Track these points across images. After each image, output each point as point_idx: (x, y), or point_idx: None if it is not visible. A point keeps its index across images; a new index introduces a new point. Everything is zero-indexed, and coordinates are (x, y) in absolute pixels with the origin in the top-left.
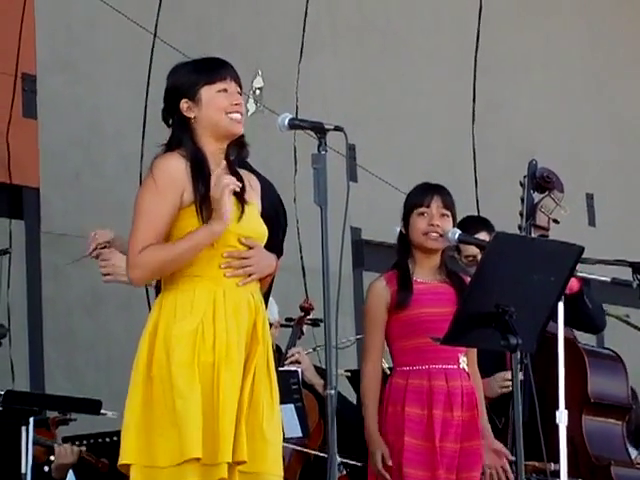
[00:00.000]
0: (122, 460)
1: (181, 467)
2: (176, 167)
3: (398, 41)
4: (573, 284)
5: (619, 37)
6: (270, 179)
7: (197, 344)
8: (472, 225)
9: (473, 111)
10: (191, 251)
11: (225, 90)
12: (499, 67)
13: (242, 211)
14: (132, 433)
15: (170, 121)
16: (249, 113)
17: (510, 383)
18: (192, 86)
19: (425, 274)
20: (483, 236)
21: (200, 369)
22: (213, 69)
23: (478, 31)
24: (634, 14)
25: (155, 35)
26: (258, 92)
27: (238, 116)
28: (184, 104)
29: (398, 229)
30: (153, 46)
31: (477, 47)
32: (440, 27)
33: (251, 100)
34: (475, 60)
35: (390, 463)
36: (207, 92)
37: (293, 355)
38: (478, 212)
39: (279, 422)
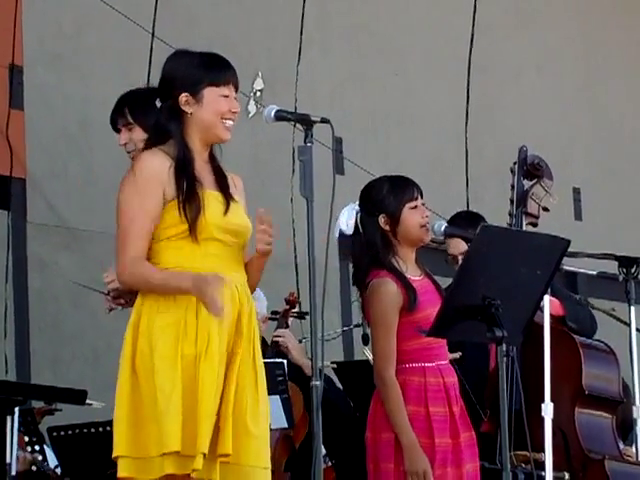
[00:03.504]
0: (114, 453)
1: (160, 459)
2: (158, 164)
3: (391, 40)
4: (556, 309)
5: (608, 42)
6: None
7: (180, 336)
8: (460, 222)
9: (467, 112)
10: (175, 291)
11: (227, 96)
12: (491, 69)
13: (227, 206)
14: (120, 425)
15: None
16: (250, 115)
17: None
18: (196, 83)
19: (413, 270)
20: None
21: (182, 362)
22: (220, 71)
23: (472, 34)
24: (624, 21)
25: (153, 35)
26: (259, 94)
27: (231, 123)
28: (183, 97)
29: (351, 222)
30: (152, 46)
31: (471, 49)
32: (434, 28)
33: (252, 102)
34: (469, 61)
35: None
36: (210, 93)
37: (279, 336)
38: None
39: (265, 415)
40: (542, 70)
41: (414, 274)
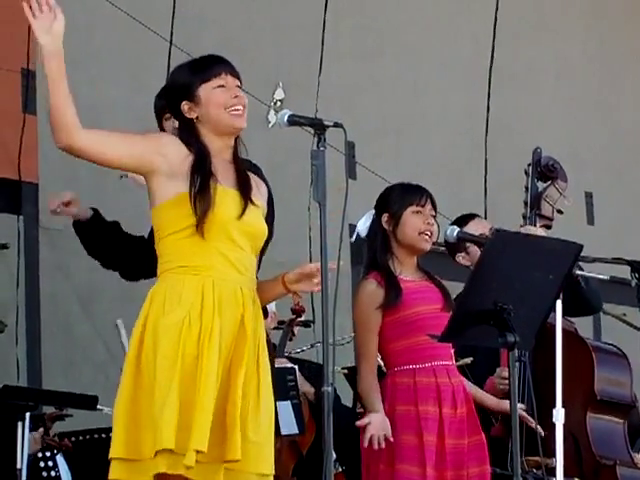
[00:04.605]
0: (110, 454)
1: (155, 459)
2: (176, 145)
3: (406, 45)
4: None
5: (624, 49)
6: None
7: (183, 335)
8: (462, 220)
9: (487, 121)
10: (52, 84)
11: (222, 86)
12: (509, 76)
13: (244, 208)
14: (118, 426)
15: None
16: (270, 125)
17: (506, 381)
18: (189, 87)
19: (410, 272)
20: (473, 226)
21: (183, 360)
22: (207, 66)
23: (493, 41)
24: (636, 32)
25: (171, 43)
26: (279, 104)
27: (240, 108)
28: (185, 106)
29: (371, 219)
30: (170, 53)
31: (492, 57)
32: (451, 34)
33: (272, 111)
34: (490, 70)
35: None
36: (204, 90)
37: None
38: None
39: (268, 421)
40: (559, 77)
41: (411, 276)
